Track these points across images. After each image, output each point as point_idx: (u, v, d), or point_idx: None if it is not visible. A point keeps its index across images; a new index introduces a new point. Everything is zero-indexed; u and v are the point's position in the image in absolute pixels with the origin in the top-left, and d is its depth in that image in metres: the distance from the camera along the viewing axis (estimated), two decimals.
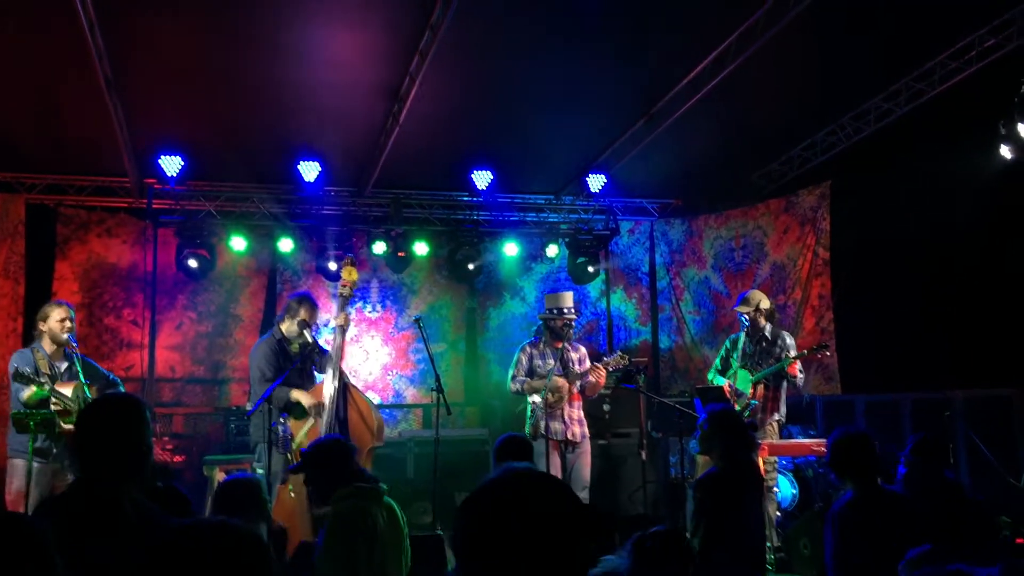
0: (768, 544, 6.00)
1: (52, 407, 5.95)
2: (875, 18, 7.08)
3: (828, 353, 7.86)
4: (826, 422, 8.99)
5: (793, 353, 7.42)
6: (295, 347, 6.73)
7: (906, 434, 8.31)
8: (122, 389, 6.72)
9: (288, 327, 6.77)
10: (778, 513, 7.75)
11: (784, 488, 8.08)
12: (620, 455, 8.88)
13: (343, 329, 6.62)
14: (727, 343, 7.85)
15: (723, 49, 7.53)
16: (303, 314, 6.73)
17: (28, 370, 5.96)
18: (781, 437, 7.63)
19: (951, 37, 7.64)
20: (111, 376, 6.65)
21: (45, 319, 6.33)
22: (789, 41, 7.15)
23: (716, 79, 7.72)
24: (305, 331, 6.71)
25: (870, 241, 8.94)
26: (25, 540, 1.97)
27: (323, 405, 6.38)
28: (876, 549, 4.02)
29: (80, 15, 6.29)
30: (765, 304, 7.63)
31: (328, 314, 8.17)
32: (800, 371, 7.35)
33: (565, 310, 7.21)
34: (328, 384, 6.48)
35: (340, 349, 6.54)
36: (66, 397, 5.98)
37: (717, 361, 7.86)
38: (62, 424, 5.90)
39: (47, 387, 5.91)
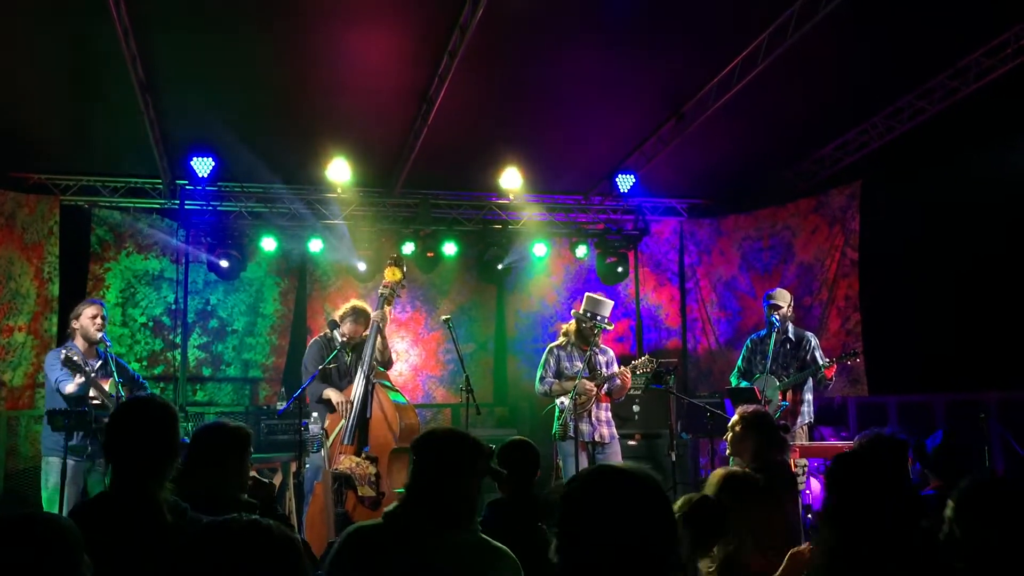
0: None
1: (92, 401, 6.04)
2: (908, 15, 6.99)
3: (858, 359, 7.78)
4: (859, 424, 8.92)
5: (819, 353, 7.36)
6: (346, 346, 6.76)
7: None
8: (150, 391, 6.81)
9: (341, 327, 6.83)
10: (809, 516, 7.68)
11: (816, 490, 8.01)
12: (649, 456, 8.84)
13: (378, 328, 6.63)
14: (748, 343, 7.75)
15: (753, 48, 7.47)
16: (344, 324, 6.77)
17: (77, 359, 6.02)
18: (812, 439, 7.57)
19: (986, 34, 7.53)
20: (139, 378, 6.72)
21: (78, 317, 6.43)
22: (820, 39, 7.08)
23: (746, 78, 7.66)
24: (335, 331, 6.75)
25: (901, 241, 8.84)
26: (53, 538, 1.98)
27: (351, 404, 6.41)
28: None
29: (115, 21, 6.37)
30: (791, 303, 7.60)
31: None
32: (834, 376, 7.31)
33: (600, 318, 7.14)
34: (357, 383, 6.51)
35: (373, 348, 6.56)
36: (105, 392, 6.06)
37: (740, 362, 7.75)
38: (102, 420, 5.96)
39: (93, 374, 5.99)
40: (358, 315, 6.86)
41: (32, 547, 1.94)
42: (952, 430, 5.04)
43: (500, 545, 2.83)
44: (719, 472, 3.90)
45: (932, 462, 4.78)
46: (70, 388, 6.03)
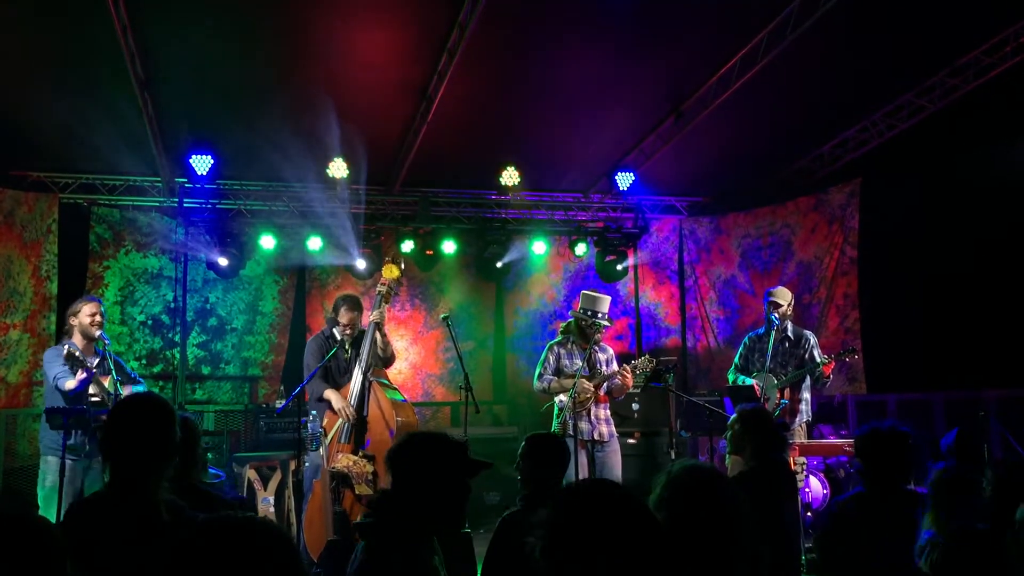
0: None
1: (91, 398, 6.02)
2: (908, 13, 6.99)
3: (856, 356, 7.76)
4: (858, 422, 8.91)
5: (817, 352, 7.35)
6: (347, 345, 6.75)
7: (939, 433, 8.22)
8: (147, 389, 6.78)
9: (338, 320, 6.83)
10: (808, 514, 7.69)
11: (815, 488, 8.01)
12: (649, 454, 8.84)
13: (377, 326, 6.62)
14: (746, 341, 7.73)
15: (753, 45, 7.46)
16: (341, 315, 6.76)
17: (79, 355, 5.99)
18: (811, 437, 7.56)
19: (986, 32, 7.53)
20: (137, 377, 6.70)
21: (76, 314, 6.39)
22: (820, 37, 7.08)
23: (746, 76, 7.66)
24: (335, 329, 6.76)
25: (901, 239, 8.84)
26: (33, 540, 1.96)
27: (350, 408, 6.40)
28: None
29: (114, 17, 6.36)
30: (791, 302, 7.59)
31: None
32: (832, 373, 7.29)
33: (599, 315, 7.11)
34: (354, 381, 6.50)
35: (371, 346, 6.55)
36: (105, 388, 6.04)
37: (737, 359, 7.73)
38: (99, 417, 5.95)
39: (93, 371, 5.97)
40: (350, 302, 6.84)
41: (12, 548, 1.91)
42: (966, 429, 5.05)
43: None
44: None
45: (945, 459, 4.78)
46: (71, 384, 5.98)
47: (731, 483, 2.47)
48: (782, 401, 7.25)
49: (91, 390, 6.06)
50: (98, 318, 6.36)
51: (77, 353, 5.99)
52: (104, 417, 5.72)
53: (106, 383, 6.11)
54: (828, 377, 7.26)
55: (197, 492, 3.85)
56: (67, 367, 5.99)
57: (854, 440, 4.53)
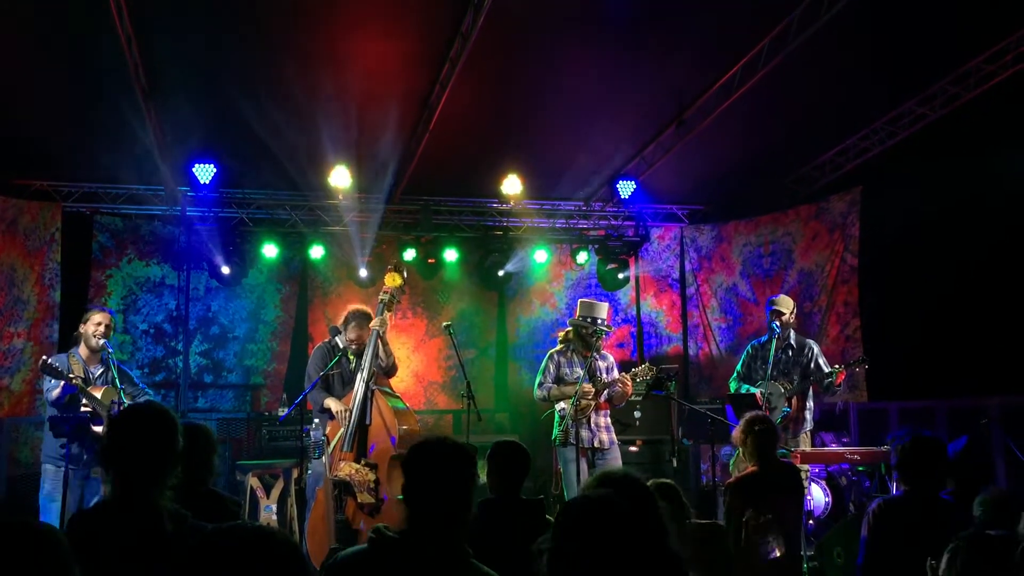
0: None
1: (82, 408, 6.03)
2: (909, 21, 7.00)
3: (867, 367, 7.77)
4: (860, 430, 8.89)
5: (823, 360, 7.36)
6: (350, 354, 6.76)
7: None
8: (149, 399, 6.79)
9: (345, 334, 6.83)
10: (811, 521, 7.68)
11: (817, 496, 8.00)
12: (651, 462, 8.83)
13: (378, 334, 6.62)
14: (749, 349, 7.73)
15: (754, 54, 7.48)
16: (350, 331, 6.76)
17: (58, 365, 6.03)
18: (813, 445, 7.56)
19: (987, 40, 7.55)
20: (143, 386, 6.72)
21: (85, 322, 6.45)
22: (821, 46, 7.10)
23: (747, 84, 7.68)
24: (338, 339, 6.76)
25: (902, 246, 8.84)
26: (39, 546, 1.95)
27: (350, 412, 6.40)
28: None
29: (118, 28, 6.39)
30: (793, 310, 7.59)
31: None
32: (843, 381, 7.32)
33: (599, 321, 7.10)
34: (357, 389, 6.50)
35: (373, 354, 6.55)
36: (97, 400, 6.05)
37: (739, 367, 7.73)
38: (92, 427, 5.97)
39: (75, 381, 5.97)
40: (360, 318, 6.83)
41: (21, 555, 1.91)
42: (975, 436, 5.04)
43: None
44: None
45: (953, 466, 4.76)
46: (54, 394, 6.05)
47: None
48: (784, 409, 7.24)
49: (83, 400, 6.08)
50: (102, 328, 6.40)
51: (56, 364, 6.02)
52: (98, 428, 5.81)
53: (99, 394, 6.11)
54: (839, 386, 7.28)
55: (212, 497, 3.87)
56: (48, 377, 6.04)
57: (894, 446, 4.48)
